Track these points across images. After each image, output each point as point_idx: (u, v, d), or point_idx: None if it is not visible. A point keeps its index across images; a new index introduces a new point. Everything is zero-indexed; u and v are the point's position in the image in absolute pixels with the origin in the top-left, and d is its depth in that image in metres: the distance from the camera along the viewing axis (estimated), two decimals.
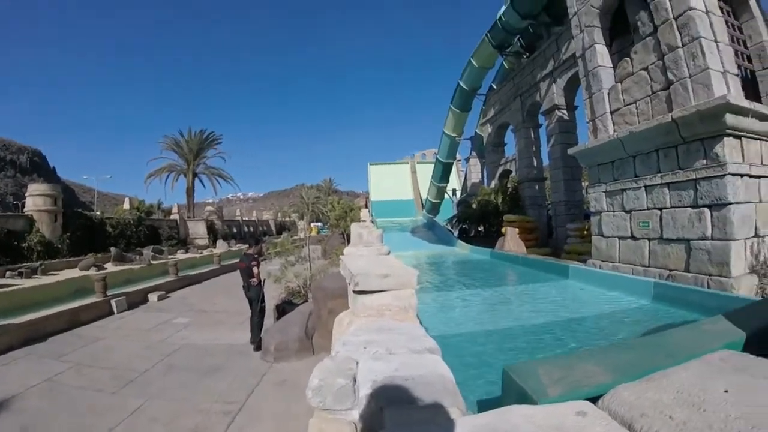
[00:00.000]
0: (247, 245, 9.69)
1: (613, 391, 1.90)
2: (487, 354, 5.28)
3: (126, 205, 34.37)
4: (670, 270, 7.61)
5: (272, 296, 10.59)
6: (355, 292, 3.86)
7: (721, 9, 8.21)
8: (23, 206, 22.91)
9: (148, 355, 8.06)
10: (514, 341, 5.80)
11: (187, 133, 42.51)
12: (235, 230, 46.76)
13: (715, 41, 7.23)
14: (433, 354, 2.51)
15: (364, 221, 25.10)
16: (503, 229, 16.52)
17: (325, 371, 2.25)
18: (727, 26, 8.28)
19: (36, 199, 21.89)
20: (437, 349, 2.59)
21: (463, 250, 18.55)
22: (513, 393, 2.36)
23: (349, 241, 9.01)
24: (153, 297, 13.91)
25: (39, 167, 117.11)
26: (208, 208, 45.82)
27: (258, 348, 8.10)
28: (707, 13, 7.34)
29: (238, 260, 9.65)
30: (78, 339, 9.38)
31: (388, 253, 6.69)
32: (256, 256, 9.22)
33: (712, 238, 6.84)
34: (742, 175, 6.75)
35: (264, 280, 9.07)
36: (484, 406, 3.48)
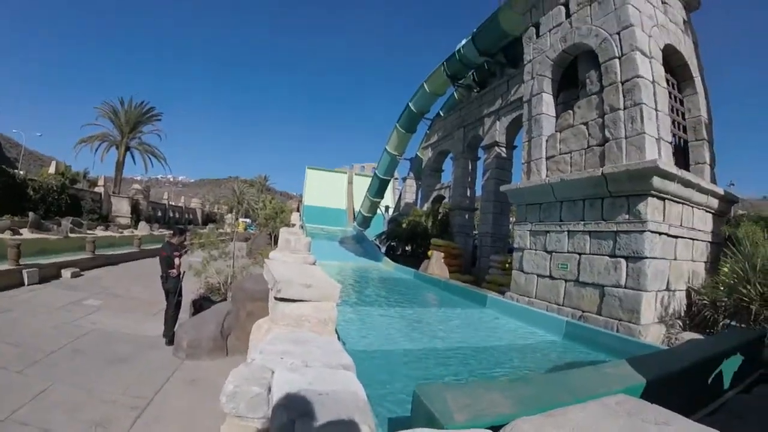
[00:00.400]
0: (171, 233, 9.22)
1: (513, 423, 2.00)
2: (398, 372, 5.36)
3: (52, 169, 31.71)
4: (583, 311, 8.14)
5: (190, 290, 10.17)
6: (276, 298, 3.84)
7: (668, 81, 9.11)
8: None
9: (55, 336, 7.56)
10: (425, 362, 5.94)
11: (127, 103, 39.81)
12: (159, 214, 44.40)
13: (656, 109, 7.96)
14: (347, 371, 2.55)
15: (294, 225, 24.76)
16: (429, 252, 16.90)
17: (241, 378, 2.25)
18: (671, 97, 9.18)
19: None
20: (352, 366, 2.64)
21: (388, 267, 18.76)
22: (422, 415, 2.45)
23: (276, 243, 8.85)
24: (66, 273, 12.95)
25: None
26: (135, 186, 43.09)
27: (170, 342, 7.70)
28: (653, 82, 8.08)
29: (159, 247, 9.16)
30: None
31: (314, 263, 6.67)
32: (178, 246, 8.82)
33: (625, 287, 7.40)
34: (660, 233, 7.40)
35: (184, 272, 8.68)
36: (393, 425, 3.54)
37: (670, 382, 3.53)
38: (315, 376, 2.33)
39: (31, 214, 20.22)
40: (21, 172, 28.98)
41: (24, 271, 11.13)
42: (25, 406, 4.84)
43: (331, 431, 1.83)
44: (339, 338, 4.11)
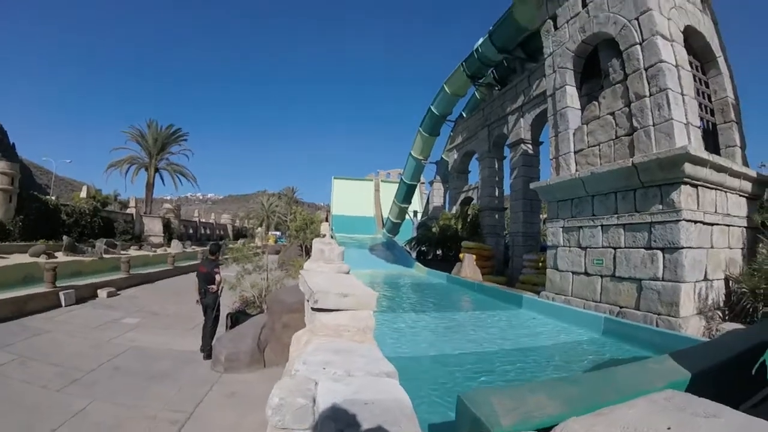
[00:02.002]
0: (209, 251, 9.43)
1: (563, 424, 1.97)
2: (438, 378, 5.30)
3: (83, 194, 32.82)
4: (621, 307, 7.88)
5: (226, 304, 10.34)
6: (313, 309, 3.87)
7: (691, 64, 8.76)
8: None
9: (94, 354, 7.76)
10: (465, 366, 5.84)
11: (154, 126, 41.12)
12: (191, 231, 45.49)
13: (682, 94, 7.68)
14: (391, 378, 2.51)
15: (325, 235, 24.97)
16: (461, 255, 16.73)
17: (286, 390, 2.22)
18: (695, 80, 8.84)
19: None
20: (395, 373, 2.59)
21: (420, 272, 18.66)
22: (467, 420, 2.40)
23: (308, 254, 8.91)
24: (102, 293, 13.40)
25: None
26: (166, 205, 44.40)
27: (208, 356, 7.86)
28: (677, 66, 7.80)
29: (198, 263, 9.35)
30: (23, 329, 9.02)
31: (348, 272, 6.67)
32: (217, 262, 9.02)
33: (663, 279, 7.13)
34: (695, 222, 7.11)
35: (222, 287, 8.86)
36: (435, 431, 3.49)
37: (714, 375, 3.40)
38: (359, 385, 2.30)
39: (65, 237, 20.99)
40: (53, 198, 30.13)
41: (61, 293, 11.51)
42: (65, 424, 4.96)
43: None
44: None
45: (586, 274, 8.97)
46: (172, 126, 42.44)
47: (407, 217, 28.87)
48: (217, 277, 8.69)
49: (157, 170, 40.98)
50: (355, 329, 3.57)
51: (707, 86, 9.50)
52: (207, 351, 7.99)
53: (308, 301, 4.05)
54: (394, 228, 28.30)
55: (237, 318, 9.71)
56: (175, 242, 33.03)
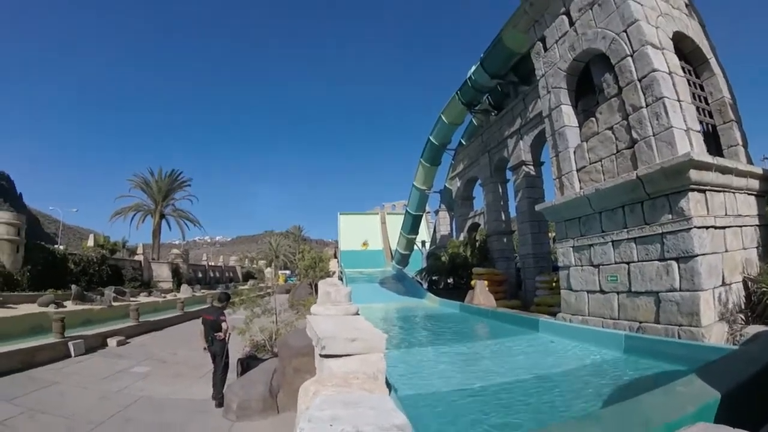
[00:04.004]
0: (218, 298, 9.38)
1: None
2: (455, 416, 5.07)
3: (90, 242, 33.11)
4: (640, 322, 7.65)
5: (236, 349, 10.20)
6: (321, 355, 3.74)
7: (684, 69, 8.78)
8: None
9: (104, 406, 7.66)
10: (486, 400, 5.58)
11: (157, 173, 41.78)
12: (200, 275, 45.43)
13: (678, 100, 7.65)
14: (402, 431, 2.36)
15: (334, 272, 24.90)
16: (472, 282, 16.49)
17: None
18: (689, 85, 8.82)
19: None
20: (407, 426, 2.44)
21: (432, 303, 18.37)
22: None
23: (317, 293, 8.84)
24: (112, 342, 13.30)
25: (5, 192, 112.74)
26: (174, 250, 44.47)
27: (220, 405, 7.72)
28: (670, 73, 7.80)
29: (204, 312, 9.26)
30: (31, 381, 8.94)
31: (357, 313, 6.54)
32: (223, 310, 8.94)
33: (680, 290, 6.92)
34: (707, 227, 6.95)
35: (229, 334, 8.75)
36: None
37: (745, 390, 3.22)
38: None
39: (73, 286, 20.95)
40: (61, 247, 30.31)
41: (70, 343, 11.44)
42: None
43: None
44: (391, 389, 3.93)
45: (602, 291, 8.75)
46: (176, 171, 43.22)
47: (416, 247, 28.71)
48: (224, 325, 8.60)
49: (162, 216, 41.48)
50: (364, 376, 3.41)
51: (702, 89, 9.49)
52: (219, 399, 7.87)
53: (316, 347, 3.93)
54: (404, 259, 28.10)
55: (248, 364, 9.53)
56: (184, 287, 32.96)
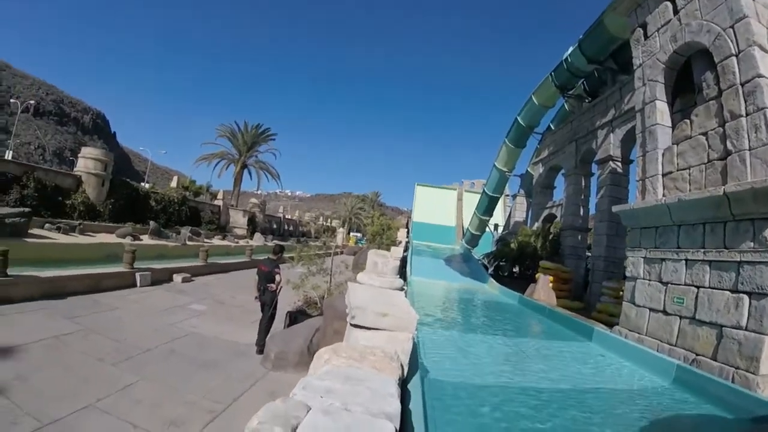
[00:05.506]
0: (273, 251, 9.77)
1: None
2: (485, 414, 4.84)
3: (173, 183, 35.58)
4: (697, 354, 6.91)
5: (288, 303, 10.56)
6: (351, 324, 3.75)
7: None
8: (75, 165, 23.94)
9: (154, 336, 8.28)
10: (520, 403, 5.29)
11: (243, 126, 43.82)
12: (275, 226, 47.65)
13: None
14: (388, 421, 2.26)
15: (401, 242, 24.94)
16: (537, 275, 15.84)
17: (270, 414, 2.06)
18: None
19: (87, 161, 22.84)
20: (396, 417, 2.35)
21: (492, 289, 17.92)
22: None
23: None
24: (178, 278, 14.29)
25: (101, 129, 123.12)
26: (253, 200, 46.87)
27: (260, 352, 8.18)
28: None
29: (261, 262, 9.64)
30: (95, 304, 9.79)
31: (402, 287, 6.45)
32: (278, 262, 9.28)
33: (746, 329, 6.13)
34: None
35: (281, 287, 9.07)
36: None
37: None
38: (349, 423, 2.13)
39: (151, 222, 22.75)
40: (146, 185, 32.80)
41: (137, 274, 12.41)
42: (110, 396, 5.40)
43: None
44: (419, 367, 3.87)
45: (664, 312, 8.00)
46: (261, 126, 45.02)
47: (487, 229, 27.97)
48: (278, 277, 8.94)
49: (245, 166, 43.57)
50: (382, 354, 3.34)
51: None
52: (260, 346, 8.29)
53: (348, 315, 3.94)
54: (473, 240, 27.48)
55: (296, 317, 9.89)
56: (257, 235, 34.68)
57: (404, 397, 3.27)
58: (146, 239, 20.01)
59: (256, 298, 8.94)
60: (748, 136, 6.68)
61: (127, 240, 17.68)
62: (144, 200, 26.27)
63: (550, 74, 18.06)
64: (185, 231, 23.71)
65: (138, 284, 12.24)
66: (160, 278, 13.50)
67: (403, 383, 3.46)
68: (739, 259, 6.45)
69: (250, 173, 45.53)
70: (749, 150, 6.64)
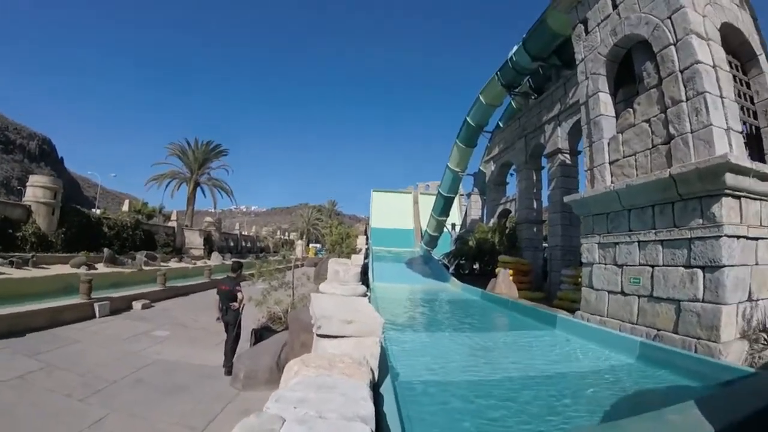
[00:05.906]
0: (231, 268, 9.60)
1: None
2: (456, 407, 4.88)
3: (125, 207, 34.45)
4: (658, 330, 7.25)
5: (252, 320, 10.40)
6: (317, 335, 3.76)
7: (730, 63, 8.07)
8: (23, 194, 22.79)
9: (119, 366, 8.08)
10: (489, 393, 5.36)
11: (193, 143, 42.77)
12: (232, 244, 46.59)
13: (721, 96, 7.03)
14: (363, 423, 2.26)
15: (361, 249, 24.95)
16: (497, 270, 16.18)
17: (246, 430, 2.05)
18: (735, 81, 8.14)
19: (36, 190, 21.75)
20: (371, 419, 2.36)
21: (455, 287, 18.16)
22: None
23: None
24: (137, 305, 13.86)
25: (47, 155, 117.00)
26: (208, 218, 45.78)
27: (229, 373, 7.97)
28: (714, 67, 7.17)
29: (220, 282, 9.46)
30: (55, 339, 9.49)
31: (365, 294, 6.46)
32: (239, 280, 9.09)
33: (703, 301, 6.49)
34: (738, 237, 6.44)
35: (243, 305, 8.89)
36: None
37: (744, 429, 2.89)
38: (325, 430, 2.13)
39: (105, 249, 21.84)
40: (97, 211, 31.57)
41: (96, 304, 11.97)
42: None
43: None
44: (380, 373, 3.84)
45: (623, 293, 8.34)
46: (212, 142, 44.17)
47: (445, 229, 28.38)
48: (239, 295, 8.75)
49: (197, 184, 42.57)
50: (350, 360, 3.35)
51: (749, 87, 8.72)
52: (228, 367, 8.12)
53: (313, 325, 3.93)
54: (432, 241, 27.81)
55: (261, 334, 9.69)
56: (215, 254, 33.89)
57: (378, 400, 3.30)
58: (101, 267, 19.16)
59: (218, 318, 8.72)
60: (689, 119, 7.09)
61: (82, 270, 16.87)
62: (96, 227, 25.11)
63: (496, 73, 18.58)
64: (141, 256, 22.92)
65: (97, 314, 11.79)
66: (120, 307, 13.03)
67: (376, 386, 3.49)
68: (690, 236, 6.81)
69: (203, 191, 44.47)
70: (691, 132, 7.04)
